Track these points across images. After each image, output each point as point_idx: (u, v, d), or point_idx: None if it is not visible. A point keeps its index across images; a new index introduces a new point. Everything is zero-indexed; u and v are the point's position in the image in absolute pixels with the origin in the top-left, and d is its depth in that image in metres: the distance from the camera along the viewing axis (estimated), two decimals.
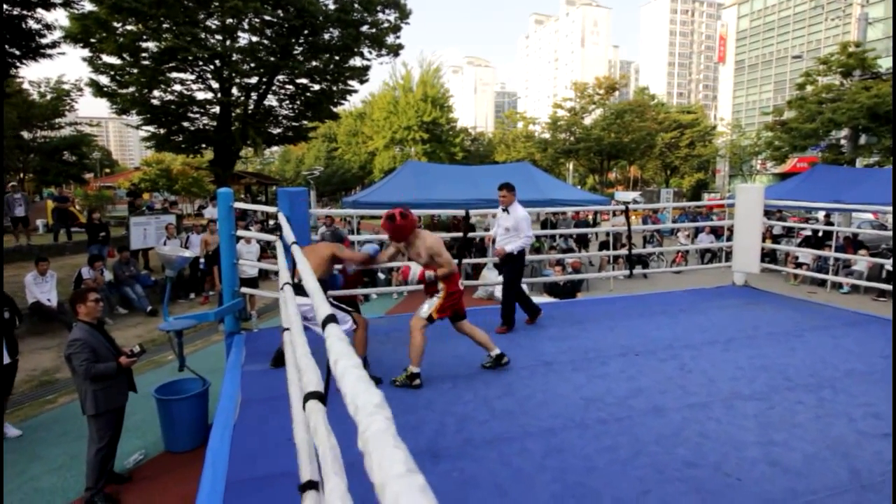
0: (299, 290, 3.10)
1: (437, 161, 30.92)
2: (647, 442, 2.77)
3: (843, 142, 15.83)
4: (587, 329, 4.87)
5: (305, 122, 19.17)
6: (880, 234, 11.53)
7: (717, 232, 14.15)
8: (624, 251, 6.79)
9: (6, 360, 4.49)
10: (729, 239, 6.65)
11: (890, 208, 6.67)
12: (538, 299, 7.42)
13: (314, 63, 16.71)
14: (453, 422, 2.99)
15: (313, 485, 1.17)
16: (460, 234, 6.17)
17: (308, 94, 17.65)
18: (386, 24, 16.88)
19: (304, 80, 17.21)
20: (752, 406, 3.17)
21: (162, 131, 16.72)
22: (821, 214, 13.82)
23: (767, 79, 55.54)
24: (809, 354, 4.11)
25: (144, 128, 16.57)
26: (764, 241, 6.90)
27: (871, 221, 15.74)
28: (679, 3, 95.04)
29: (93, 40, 13.64)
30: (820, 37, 46.87)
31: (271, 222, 14.98)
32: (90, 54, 14.18)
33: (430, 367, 3.78)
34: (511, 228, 4.68)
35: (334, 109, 19.18)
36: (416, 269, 3.65)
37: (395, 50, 17.61)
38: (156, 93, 15.51)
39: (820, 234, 12.78)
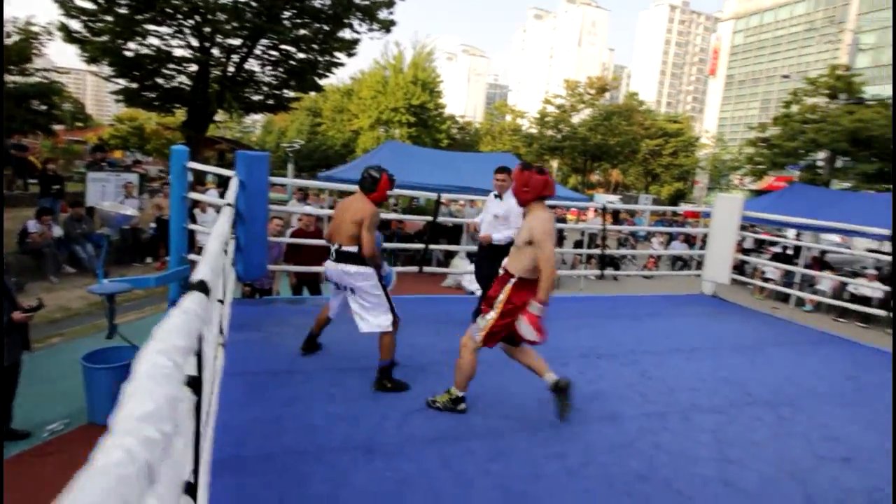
0: (341, 256, 3.09)
1: (421, 146, 30.48)
2: (599, 451, 2.61)
3: (820, 163, 16.07)
4: (551, 327, 4.64)
5: (288, 91, 18.53)
6: (844, 252, 11.71)
7: (689, 241, 14.22)
8: (597, 251, 6.66)
9: None
10: (701, 248, 6.56)
11: (861, 229, 6.68)
12: None
13: (301, 31, 16.09)
14: (396, 415, 2.78)
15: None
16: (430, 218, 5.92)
17: (292, 62, 17.01)
18: None
19: (289, 48, 16.55)
20: (710, 419, 3.05)
21: (134, 85, 15.93)
22: (791, 232, 14.03)
23: (755, 96, 56.40)
24: (772, 370, 4.02)
25: (115, 80, 15.76)
26: (736, 252, 6.84)
27: (838, 244, 16.04)
28: (678, 12, 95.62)
29: None
30: (810, 59, 47.65)
31: None
32: None
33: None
34: (501, 216, 4.26)
35: (319, 81, 18.55)
36: (525, 326, 2.86)
37: (387, 26, 17.08)
38: (130, 44, 14.73)
39: (789, 251, 12.94)
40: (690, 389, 3.47)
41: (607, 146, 35.21)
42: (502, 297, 2.79)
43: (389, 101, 33.50)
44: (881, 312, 5.78)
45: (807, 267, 10.59)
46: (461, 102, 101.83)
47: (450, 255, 10.66)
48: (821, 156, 15.77)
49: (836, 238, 14.76)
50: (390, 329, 3.09)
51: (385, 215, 8.22)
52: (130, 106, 19.10)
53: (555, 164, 41.01)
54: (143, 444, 0.53)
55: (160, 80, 16.06)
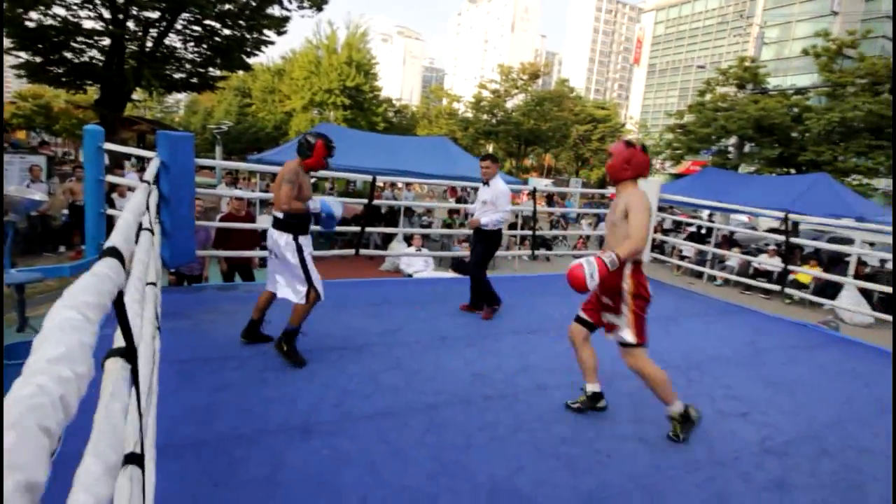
0: (276, 223, 3.14)
1: (357, 129, 29.87)
2: (528, 419, 2.78)
3: (730, 149, 17.37)
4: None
5: (213, 69, 17.54)
6: (752, 233, 12.83)
7: None
8: (529, 232, 6.91)
9: None
10: None
11: (767, 212, 7.35)
12: (443, 275, 7.38)
13: (226, 5, 15.22)
14: (333, 395, 2.82)
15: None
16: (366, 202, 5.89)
17: (217, 38, 16.08)
18: None
19: (213, 23, 15.62)
20: (628, 385, 3.31)
21: (37, 59, 14.49)
22: (705, 213, 15.13)
23: (674, 84, 59.60)
24: (685, 338, 4.40)
25: (15, 53, 14.26)
26: (655, 233, 7.33)
27: (745, 223, 17.51)
28: (605, 2, 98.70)
29: None
30: (722, 50, 50.92)
31: None
32: None
33: (317, 338, 3.56)
34: (489, 202, 4.40)
35: (247, 60, 17.69)
36: (589, 266, 2.52)
37: (319, 4, 16.52)
38: (32, 14, 13.35)
39: (703, 230, 13.97)
40: (612, 359, 3.71)
41: (540, 131, 36.11)
42: (625, 286, 2.69)
43: (323, 83, 32.52)
44: (776, 287, 6.42)
45: (717, 245, 11.50)
46: (397, 85, 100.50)
47: (388, 239, 10.64)
48: (731, 141, 17.07)
49: (743, 218, 16.08)
50: (303, 301, 3.14)
51: None
52: (34, 82, 17.41)
53: (490, 148, 41.58)
54: (55, 382, 0.53)
55: (68, 55, 14.68)
